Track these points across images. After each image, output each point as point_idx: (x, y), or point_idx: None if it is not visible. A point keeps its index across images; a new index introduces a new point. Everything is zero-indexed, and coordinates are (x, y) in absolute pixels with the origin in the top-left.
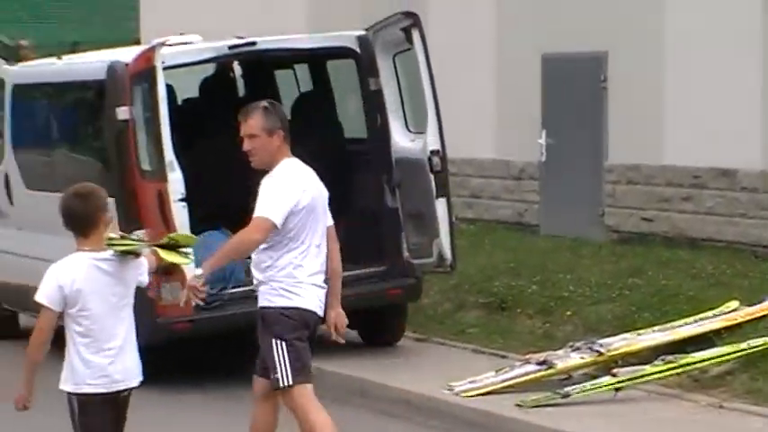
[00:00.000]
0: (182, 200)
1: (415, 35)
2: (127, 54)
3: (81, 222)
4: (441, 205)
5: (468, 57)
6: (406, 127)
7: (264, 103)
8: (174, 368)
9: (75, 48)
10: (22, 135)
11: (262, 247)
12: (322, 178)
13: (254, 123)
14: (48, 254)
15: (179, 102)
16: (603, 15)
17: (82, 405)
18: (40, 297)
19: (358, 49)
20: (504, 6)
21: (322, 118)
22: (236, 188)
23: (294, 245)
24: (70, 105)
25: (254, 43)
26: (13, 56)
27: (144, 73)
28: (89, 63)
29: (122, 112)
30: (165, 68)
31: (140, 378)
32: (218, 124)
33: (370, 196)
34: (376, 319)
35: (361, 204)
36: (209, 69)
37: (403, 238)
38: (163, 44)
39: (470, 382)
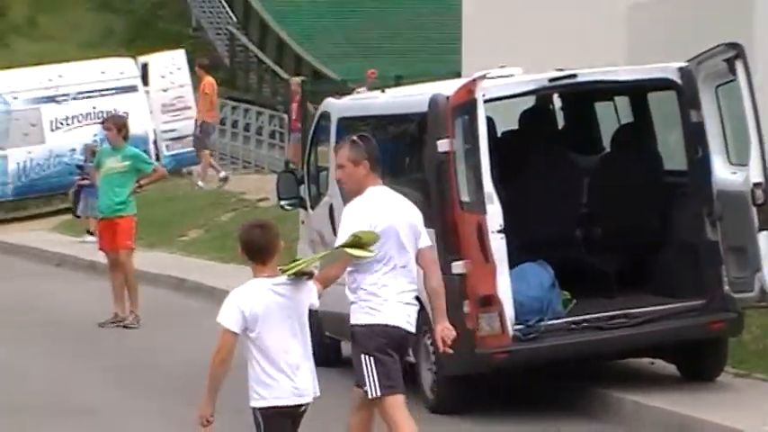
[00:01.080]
0: (500, 231)
1: (739, 66)
2: (448, 87)
3: (261, 251)
4: (764, 239)
5: None
6: (728, 159)
7: (354, 137)
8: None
9: (398, 81)
10: None
11: (350, 269)
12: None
13: (342, 155)
14: None
15: (498, 134)
16: None
17: (267, 419)
18: (221, 319)
19: (680, 81)
20: None
21: (642, 149)
22: (555, 219)
23: (377, 266)
24: (393, 138)
25: (574, 75)
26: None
27: (465, 105)
28: (411, 96)
29: (443, 145)
30: (485, 101)
31: (316, 394)
32: (537, 156)
33: (689, 229)
34: (695, 354)
35: (680, 237)
36: (529, 101)
37: (723, 271)
38: (483, 77)
39: None
